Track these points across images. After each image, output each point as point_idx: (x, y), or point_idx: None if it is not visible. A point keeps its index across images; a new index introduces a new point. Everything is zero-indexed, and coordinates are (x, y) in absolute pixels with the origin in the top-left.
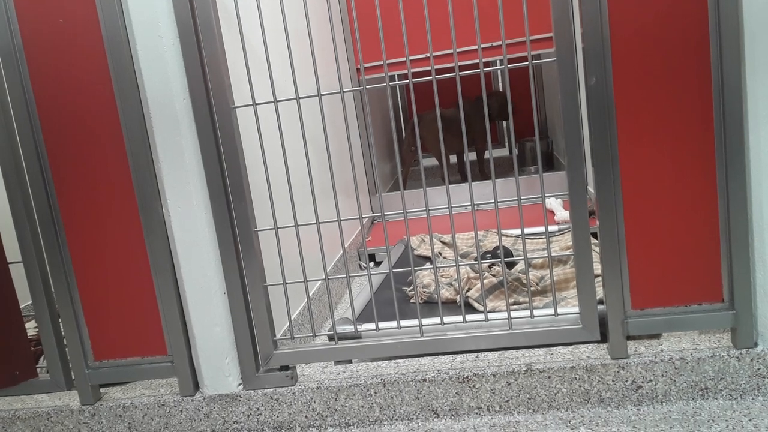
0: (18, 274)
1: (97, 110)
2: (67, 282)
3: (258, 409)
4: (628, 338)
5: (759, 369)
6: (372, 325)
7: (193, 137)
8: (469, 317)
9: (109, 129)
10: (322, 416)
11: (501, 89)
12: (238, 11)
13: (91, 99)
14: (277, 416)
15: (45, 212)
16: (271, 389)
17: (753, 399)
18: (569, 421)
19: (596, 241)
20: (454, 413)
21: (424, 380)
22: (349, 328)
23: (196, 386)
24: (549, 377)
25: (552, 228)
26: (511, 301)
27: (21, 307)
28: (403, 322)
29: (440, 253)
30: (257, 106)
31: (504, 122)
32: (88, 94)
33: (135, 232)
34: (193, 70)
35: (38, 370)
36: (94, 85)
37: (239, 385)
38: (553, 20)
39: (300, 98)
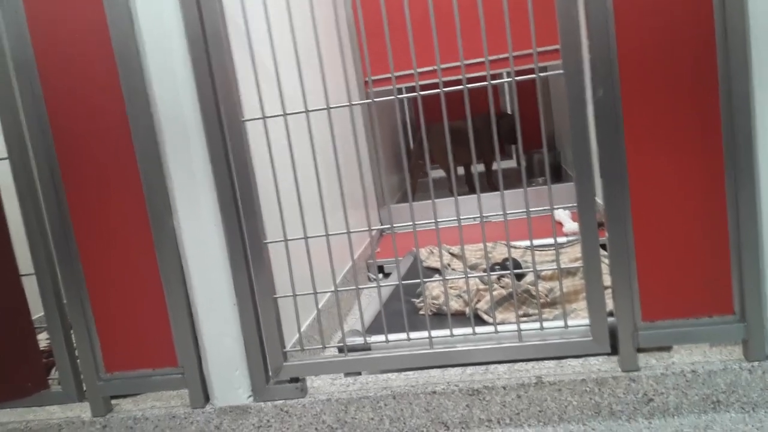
0: (30, 286)
1: (109, 123)
2: (79, 294)
3: (268, 421)
4: (639, 350)
5: None
6: (381, 337)
7: (203, 150)
8: (478, 329)
9: (120, 142)
10: (332, 428)
11: (509, 106)
12: (247, 26)
13: (103, 112)
14: (287, 428)
15: (57, 225)
16: (281, 401)
17: (765, 412)
18: None
19: (605, 253)
20: (464, 426)
21: (434, 392)
22: (359, 340)
23: (207, 398)
24: (559, 390)
25: (561, 239)
26: (520, 313)
27: (33, 318)
28: (413, 334)
29: (449, 265)
30: (267, 119)
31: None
32: (100, 107)
33: (146, 244)
34: (203, 84)
35: (50, 381)
36: (106, 98)
37: (249, 397)
38: (560, 32)
39: (309, 111)
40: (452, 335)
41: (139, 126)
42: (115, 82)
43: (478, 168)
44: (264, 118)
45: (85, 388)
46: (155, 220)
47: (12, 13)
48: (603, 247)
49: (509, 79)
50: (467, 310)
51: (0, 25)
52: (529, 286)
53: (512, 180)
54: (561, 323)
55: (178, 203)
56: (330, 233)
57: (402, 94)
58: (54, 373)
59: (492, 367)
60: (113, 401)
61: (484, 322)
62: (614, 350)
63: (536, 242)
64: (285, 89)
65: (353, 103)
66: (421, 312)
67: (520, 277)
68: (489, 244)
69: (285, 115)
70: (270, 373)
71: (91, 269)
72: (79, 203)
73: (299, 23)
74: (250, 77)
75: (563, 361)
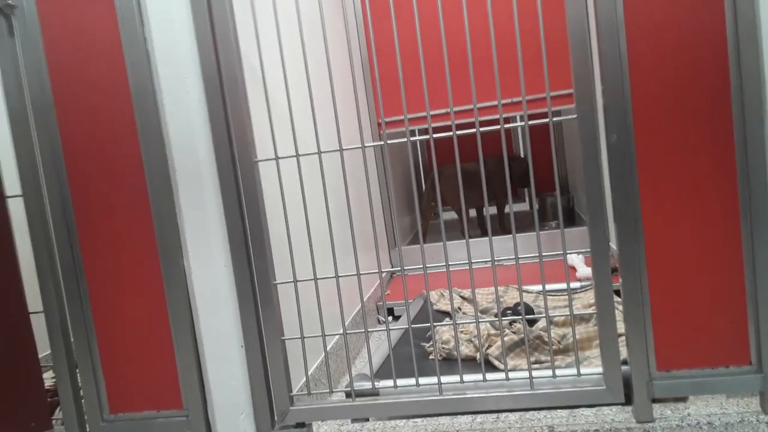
0: (38, 324)
1: (123, 163)
2: (87, 333)
3: None
4: (654, 401)
5: None
6: (390, 382)
7: (215, 190)
8: (489, 376)
9: (133, 181)
10: None
11: (521, 149)
12: (262, 67)
13: (118, 151)
14: None
15: (68, 263)
16: None
17: None
18: None
19: (619, 299)
20: None
21: None
22: (367, 385)
23: None
24: None
25: (574, 285)
26: (532, 359)
27: (39, 357)
28: (422, 380)
29: (460, 309)
30: (279, 160)
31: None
32: (115, 146)
33: (155, 283)
34: (217, 124)
35: (53, 422)
36: (120, 138)
37: None
38: (574, 77)
39: (322, 152)
40: (462, 382)
41: (153, 165)
42: (130, 121)
43: (490, 210)
44: (277, 158)
45: (88, 430)
46: (165, 260)
47: (33, 55)
48: (617, 293)
49: (522, 123)
50: (478, 355)
51: (21, 67)
52: (542, 332)
53: (524, 223)
54: (574, 371)
55: (188, 243)
56: (340, 275)
57: (415, 136)
58: (57, 413)
59: (503, 415)
60: None
61: (495, 368)
62: (628, 400)
63: (549, 287)
64: (298, 130)
65: (366, 144)
66: (431, 356)
67: (532, 322)
68: (500, 288)
69: (298, 156)
70: (276, 418)
71: (99, 308)
72: (91, 241)
73: (314, 65)
74: (263, 117)
75: (576, 410)
